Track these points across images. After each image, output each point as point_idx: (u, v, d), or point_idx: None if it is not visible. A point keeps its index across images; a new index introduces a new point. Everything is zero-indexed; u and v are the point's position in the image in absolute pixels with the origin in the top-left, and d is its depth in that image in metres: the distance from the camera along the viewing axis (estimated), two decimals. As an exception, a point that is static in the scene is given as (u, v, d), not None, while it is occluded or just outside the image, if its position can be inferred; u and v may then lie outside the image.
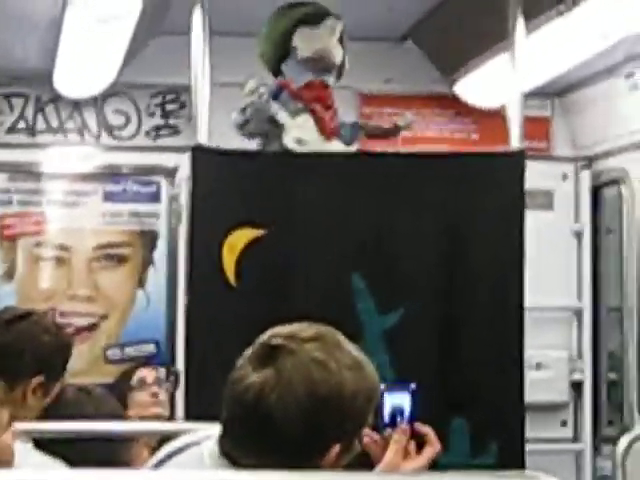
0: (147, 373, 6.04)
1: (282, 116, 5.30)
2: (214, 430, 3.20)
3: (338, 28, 5.39)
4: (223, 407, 3.10)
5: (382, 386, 3.39)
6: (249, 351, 3.05)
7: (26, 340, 4.61)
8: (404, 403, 3.51)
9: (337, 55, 5.38)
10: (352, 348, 3.09)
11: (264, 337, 3.05)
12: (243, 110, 5.42)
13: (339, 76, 5.51)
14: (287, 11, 5.40)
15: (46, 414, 4.61)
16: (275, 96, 5.36)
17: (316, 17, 5.36)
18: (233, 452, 3.05)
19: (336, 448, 2.99)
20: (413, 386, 3.54)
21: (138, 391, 5.85)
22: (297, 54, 5.30)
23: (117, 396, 5.13)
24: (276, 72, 5.46)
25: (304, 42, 5.30)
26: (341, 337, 3.10)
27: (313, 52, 5.29)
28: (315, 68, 5.34)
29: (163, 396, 6.00)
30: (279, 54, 5.38)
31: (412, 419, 3.49)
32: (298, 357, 2.98)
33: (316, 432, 3.00)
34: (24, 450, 3.98)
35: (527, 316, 5.42)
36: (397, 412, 3.50)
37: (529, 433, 5.44)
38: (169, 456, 3.40)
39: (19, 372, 4.24)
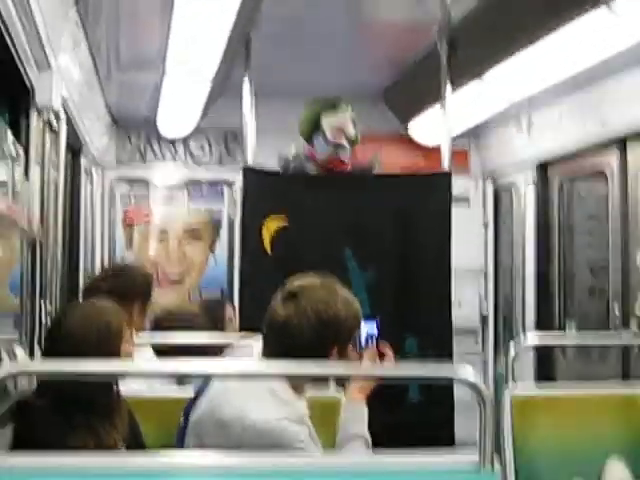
0: (231, 313, 5.99)
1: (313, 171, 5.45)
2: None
3: (349, 110, 5.43)
4: (263, 327, 3.29)
5: (367, 323, 3.56)
6: (279, 293, 3.26)
7: (129, 281, 4.71)
8: (373, 331, 3.63)
9: (350, 129, 5.40)
10: (344, 291, 3.30)
11: (288, 285, 3.27)
12: (287, 163, 5.55)
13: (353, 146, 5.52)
14: (315, 103, 5.47)
15: (176, 321, 4.97)
16: (307, 158, 5.45)
17: (334, 105, 5.39)
18: (271, 357, 3.23)
19: (335, 350, 3.21)
20: (378, 321, 3.65)
21: (227, 324, 5.82)
22: (324, 130, 5.35)
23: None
24: (309, 139, 5.48)
25: (328, 121, 5.36)
26: (337, 284, 3.32)
27: (335, 126, 5.36)
28: (334, 144, 5.39)
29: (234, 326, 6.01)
30: (311, 129, 5.42)
31: (378, 342, 3.63)
32: (309, 297, 3.19)
33: (321, 341, 3.18)
34: (144, 355, 4.31)
35: (454, 273, 5.56)
36: (369, 337, 3.61)
37: (455, 346, 5.56)
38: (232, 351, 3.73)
39: (127, 299, 4.28)
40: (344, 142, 5.44)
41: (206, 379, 3.38)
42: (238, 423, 3.08)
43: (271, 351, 3.27)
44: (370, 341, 3.64)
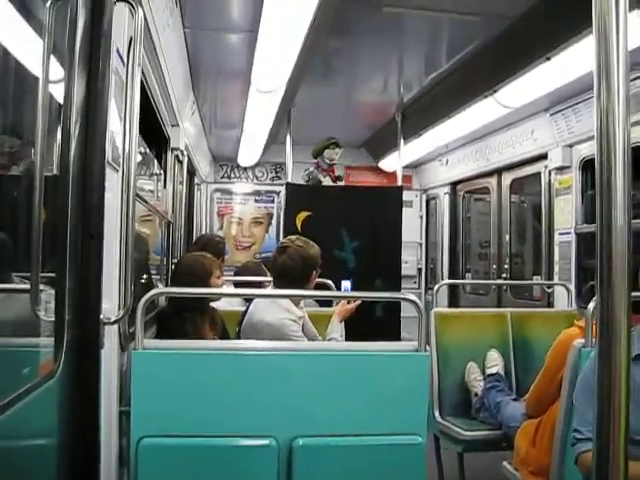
0: None
1: (320, 176, 5.63)
2: None
3: (336, 149, 5.61)
4: (271, 268, 3.33)
5: (345, 281, 3.53)
6: (275, 248, 3.29)
7: (212, 244, 4.79)
8: (348, 286, 3.68)
9: (335, 157, 5.61)
10: (311, 242, 3.30)
11: (278, 244, 3.35)
12: (308, 175, 5.69)
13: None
14: (322, 142, 5.59)
15: (248, 270, 4.91)
16: (316, 169, 5.65)
17: (332, 145, 5.58)
18: (279, 286, 3.25)
19: (313, 273, 3.24)
20: (352, 282, 3.59)
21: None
22: (324, 157, 5.61)
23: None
24: (316, 157, 5.67)
25: (327, 154, 5.61)
26: (309, 241, 3.32)
27: (329, 158, 5.62)
28: (329, 162, 5.66)
29: None
30: (319, 154, 5.59)
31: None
32: (294, 248, 3.24)
33: (304, 271, 3.22)
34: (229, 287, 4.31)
35: (403, 245, 5.67)
36: (346, 289, 3.65)
37: (402, 285, 5.81)
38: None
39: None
40: (334, 162, 5.66)
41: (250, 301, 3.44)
42: (260, 323, 3.16)
43: (278, 283, 3.30)
44: (347, 290, 3.53)
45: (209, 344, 2.68)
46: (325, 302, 4.15)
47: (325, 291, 3.27)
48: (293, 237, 3.34)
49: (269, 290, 3.41)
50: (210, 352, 2.42)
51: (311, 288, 3.33)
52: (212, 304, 3.62)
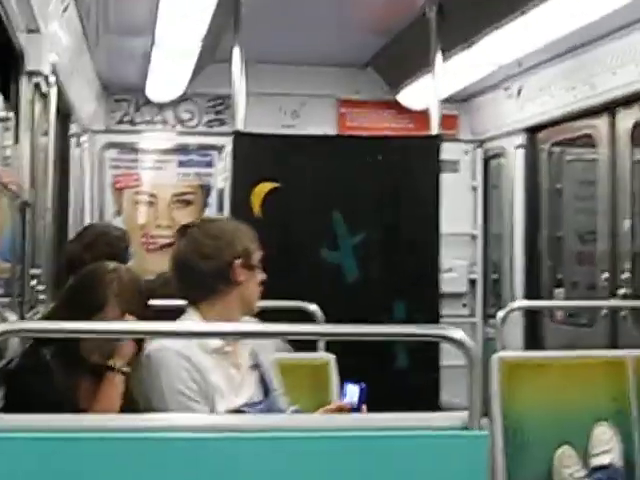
0: None
1: None
2: None
3: None
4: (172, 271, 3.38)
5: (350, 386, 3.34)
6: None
7: (104, 242, 4.60)
8: (355, 395, 3.29)
9: None
10: (238, 223, 3.39)
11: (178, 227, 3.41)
12: None
13: None
14: None
15: (157, 291, 4.51)
16: None
17: None
18: (184, 293, 3.28)
19: (235, 263, 3.17)
20: (363, 385, 3.35)
21: None
22: None
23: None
24: None
25: None
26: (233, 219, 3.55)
27: None
28: None
29: None
30: None
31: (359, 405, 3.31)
32: (198, 227, 3.27)
33: (217, 260, 3.17)
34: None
35: (443, 239, 5.60)
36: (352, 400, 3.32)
37: (443, 311, 5.70)
38: None
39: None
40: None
41: None
42: (143, 358, 3.21)
43: (180, 287, 3.31)
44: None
45: (101, 421, 2.55)
46: (305, 342, 4.11)
47: (301, 325, 2.88)
48: (208, 216, 3.18)
49: (200, 324, 3.23)
50: (103, 435, 2.32)
51: (245, 295, 3.31)
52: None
